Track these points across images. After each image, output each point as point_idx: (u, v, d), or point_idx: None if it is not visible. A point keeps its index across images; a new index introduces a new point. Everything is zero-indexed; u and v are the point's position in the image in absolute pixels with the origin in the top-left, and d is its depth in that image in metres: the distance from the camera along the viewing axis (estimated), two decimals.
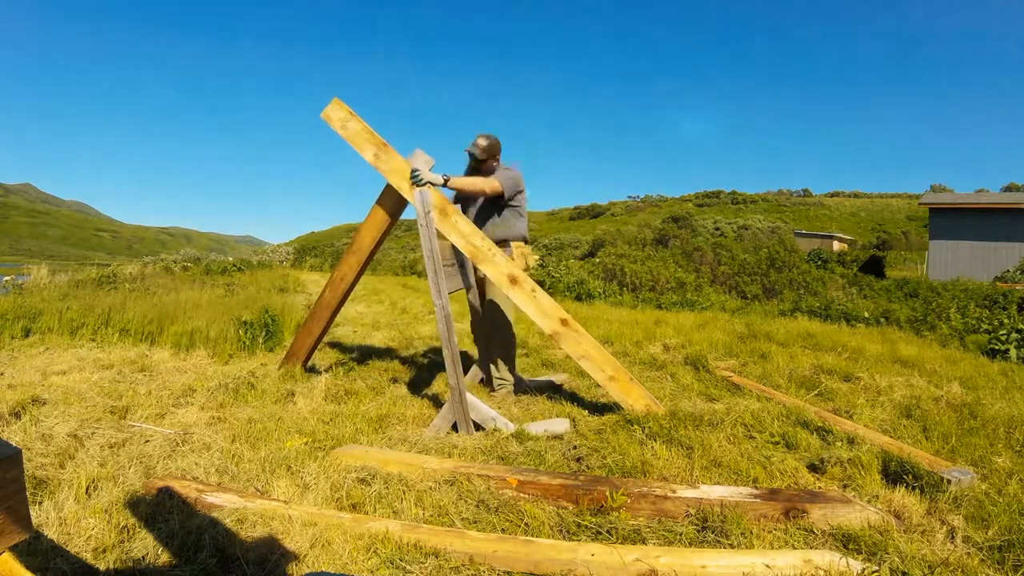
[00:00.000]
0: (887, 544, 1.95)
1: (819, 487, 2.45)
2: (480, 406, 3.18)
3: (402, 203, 3.61)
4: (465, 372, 4.12)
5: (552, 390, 4.23)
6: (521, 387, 4.14)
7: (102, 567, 1.78)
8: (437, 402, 3.76)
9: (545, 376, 4.55)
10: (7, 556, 0.97)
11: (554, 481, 2.34)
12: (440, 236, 3.40)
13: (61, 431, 2.93)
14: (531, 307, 3.38)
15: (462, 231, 3.40)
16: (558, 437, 3.13)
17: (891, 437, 3.09)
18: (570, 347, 3.35)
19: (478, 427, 3.17)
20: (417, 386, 4.25)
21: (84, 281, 9.62)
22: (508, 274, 3.37)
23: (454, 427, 3.19)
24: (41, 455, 2.65)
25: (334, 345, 6.01)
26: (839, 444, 2.89)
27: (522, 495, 2.32)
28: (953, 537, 2.04)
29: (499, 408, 3.55)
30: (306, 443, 2.93)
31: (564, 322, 3.34)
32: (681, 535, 2.09)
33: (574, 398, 3.98)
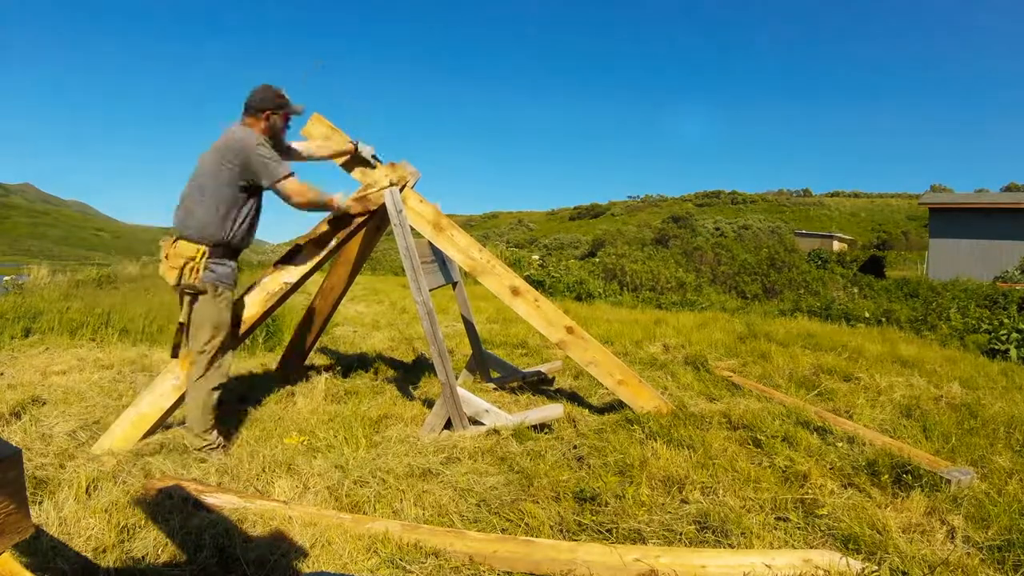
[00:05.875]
0: (887, 544, 1.95)
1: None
2: (473, 399, 3.17)
3: (386, 213, 3.56)
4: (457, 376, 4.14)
5: (544, 383, 4.26)
6: (513, 378, 4.21)
7: (102, 567, 1.78)
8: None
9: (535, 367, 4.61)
10: (7, 556, 0.97)
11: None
12: (416, 234, 3.36)
13: (61, 431, 2.93)
14: (535, 317, 3.35)
15: (458, 244, 3.37)
16: (549, 426, 3.16)
17: (891, 437, 3.09)
18: (577, 354, 3.35)
19: (475, 422, 3.16)
20: (417, 386, 4.26)
21: (84, 281, 9.62)
22: (510, 285, 3.35)
23: (449, 424, 3.18)
24: (41, 455, 2.65)
25: (334, 344, 6.01)
26: (839, 444, 2.89)
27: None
28: (953, 537, 2.04)
29: (495, 404, 3.56)
30: (303, 442, 2.94)
31: (570, 330, 3.33)
32: (681, 535, 2.09)
33: (574, 398, 3.98)
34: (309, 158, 3.22)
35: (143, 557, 1.85)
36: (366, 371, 4.64)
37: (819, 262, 20.86)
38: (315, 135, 3.42)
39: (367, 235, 3.78)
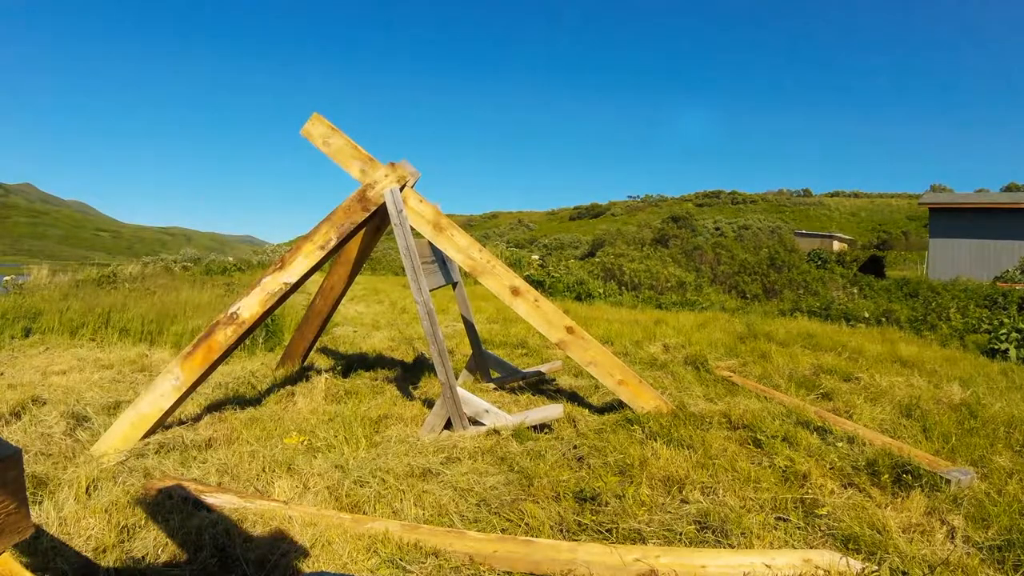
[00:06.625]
0: (887, 544, 1.95)
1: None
2: (472, 399, 3.17)
3: (386, 213, 3.54)
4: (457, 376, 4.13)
5: (544, 383, 4.26)
6: (513, 378, 4.23)
7: (102, 567, 1.78)
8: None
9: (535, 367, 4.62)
10: (7, 556, 0.97)
11: None
12: (417, 234, 3.35)
13: (61, 431, 2.93)
14: (535, 317, 3.36)
15: (458, 244, 3.37)
16: (549, 426, 3.16)
17: (891, 437, 3.09)
18: (577, 354, 3.35)
19: (475, 422, 3.15)
20: (417, 386, 4.26)
21: (84, 281, 9.63)
22: (510, 286, 3.36)
23: (449, 424, 3.18)
24: (41, 455, 2.65)
25: (334, 344, 6.00)
26: (839, 444, 2.89)
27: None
28: (953, 537, 2.04)
29: (495, 404, 3.56)
30: (303, 442, 2.94)
31: (570, 330, 3.34)
32: (681, 535, 2.09)
33: (574, 398, 3.98)
34: None
35: (143, 557, 1.85)
36: (366, 371, 4.64)
37: (819, 262, 20.83)
38: (315, 135, 3.39)
39: (367, 235, 3.79)
